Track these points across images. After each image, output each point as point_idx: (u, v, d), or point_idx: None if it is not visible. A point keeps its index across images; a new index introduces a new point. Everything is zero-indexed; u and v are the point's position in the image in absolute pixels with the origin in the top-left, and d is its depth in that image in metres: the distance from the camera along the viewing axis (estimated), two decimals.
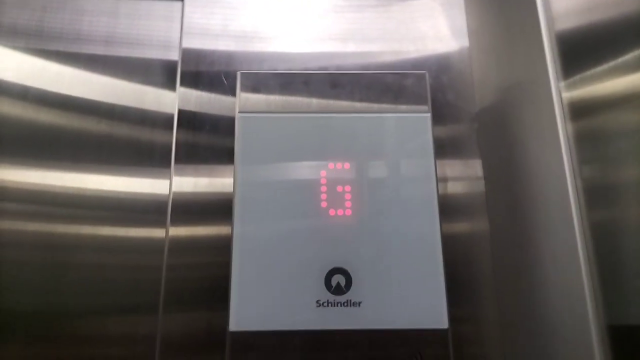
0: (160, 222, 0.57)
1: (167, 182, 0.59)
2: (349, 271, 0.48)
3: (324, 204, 0.50)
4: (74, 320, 0.54)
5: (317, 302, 0.47)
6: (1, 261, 0.55)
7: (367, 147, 0.52)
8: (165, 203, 0.58)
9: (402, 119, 0.52)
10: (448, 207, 0.58)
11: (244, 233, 0.49)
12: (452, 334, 0.48)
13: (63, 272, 0.56)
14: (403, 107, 0.53)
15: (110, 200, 0.58)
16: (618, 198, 0.40)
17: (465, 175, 0.60)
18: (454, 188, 0.60)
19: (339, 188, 0.50)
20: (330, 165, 0.51)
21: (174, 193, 0.58)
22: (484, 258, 0.58)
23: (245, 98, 0.53)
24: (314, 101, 0.53)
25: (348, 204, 0.50)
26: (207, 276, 0.55)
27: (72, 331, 0.54)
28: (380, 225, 0.50)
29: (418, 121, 0.52)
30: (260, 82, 0.53)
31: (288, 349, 0.47)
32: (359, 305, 0.47)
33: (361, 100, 0.53)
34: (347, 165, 0.51)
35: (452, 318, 0.48)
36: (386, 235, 0.49)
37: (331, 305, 0.47)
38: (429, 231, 0.49)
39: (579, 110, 0.45)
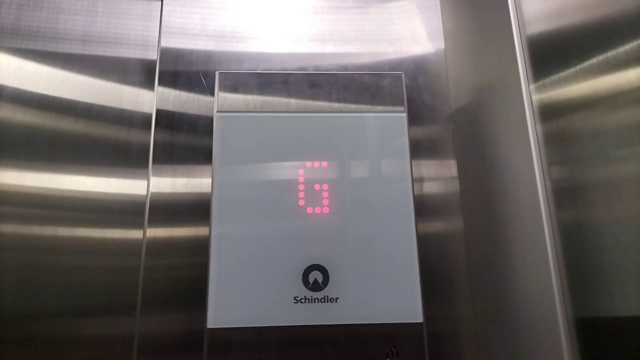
0: (137, 223, 0.57)
1: (144, 182, 0.59)
2: (327, 268, 0.49)
3: (301, 202, 0.50)
4: (50, 322, 0.54)
5: (295, 298, 0.48)
6: None
7: (344, 146, 0.52)
8: (143, 204, 0.58)
9: (379, 118, 0.53)
10: (424, 206, 0.59)
11: (222, 230, 0.50)
12: (427, 328, 0.49)
13: (39, 274, 0.55)
14: (380, 107, 0.53)
15: (87, 201, 0.58)
16: (584, 197, 0.42)
17: (440, 175, 0.62)
18: (430, 188, 0.61)
19: (317, 186, 0.51)
20: (308, 164, 0.52)
21: (152, 194, 0.58)
22: (458, 255, 0.59)
23: (223, 97, 0.53)
24: (292, 101, 0.54)
25: (325, 202, 0.51)
26: (185, 277, 0.56)
27: (48, 333, 0.54)
28: (357, 222, 0.50)
29: (394, 120, 0.53)
30: (239, 81, 0.53)
31: (266, 345, 0.47)
32: (336, 301, 0.48)
33: (339, 99, 0.54)
34: (324, 163, 0.52)
35: (427, 313, 0.49)
36: (363, 233, 0.50)
37: (309, 302, 0.48)
38: (405, 228, 0.50)
39: (548, 113, 0.46)
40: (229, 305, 0.48)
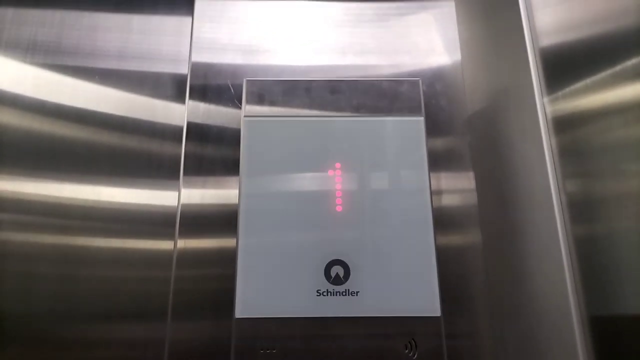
0: (168, 234, 0.59)
1: (175, 193, 0.60)
2: (348, 263, 0.51)
3: (324, 202, 0.52)
4: (84, 330, 0.56)
5: (317, 291, 0.50)
6: (14, 272, 0.57)
7: (364, 148, 0.54)
8: (174, 215, 0.60)
9: (398, 122, 0.55)
10: (442, 218, 0.60)
11: (249, 226, 0.52)
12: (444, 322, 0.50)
13: (73, 284, 0.57)
14: (398, 111, 0.55)
15: (121, 212, 0.60)
16: (597, 208, 0.43)
17: (459, 187, 0.63)
18: (449, 200, 0.62)
19: (338, 186, 0.53)
20: (330, 165, 0.54)
21: (182, 205, 0.60)
22: (475, 257, 0.60)
23: (250, 103, 0.56)
24: (315, 106, 0.56)
25: (347, 201, 0.52)
26: (214, 288, 0.57)
27: (82, 340, 0.56)
28: (377, 221, 0.52)
29: (412, 124, 0.55)
30: (265, 88, 0.56)
31: (290, 335, 0.49)
32: (357, 294, 0.50)
33: (358, 105, 0.56)
34: (346, 165, 0.54)
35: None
36: (382, 230, 0.52)
37: (330, 295, 0.50)
38: (422, 226, 0.52)
39: (562, 125, 0.47)
40: (256, 297, 0.50)
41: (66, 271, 0.57)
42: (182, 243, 0.59)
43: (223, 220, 0.59)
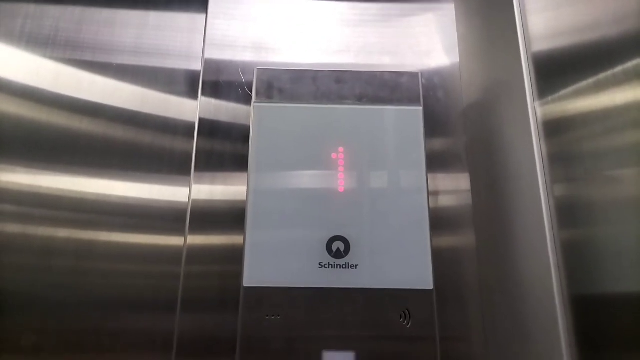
0: (179, 230, 0.60)
1: (185, 189, 0.62)
2: (348, 239, 0.54)
3: (328, 183, 0.56)
4: (95, 321, 0.57)
5: (320, 264, 0.53)
6: (28, 264, 0.58)
7: (366, 134, 0.58)
8: (184, 210, 0.61)
9: (398, 111, 0.58)
10: (438, 219, 0.61)
11: (258, 212, 0.55)
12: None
13: (85, 277, 0.58)
14: (398, 101, 0.59)
15: (132, 207, 0.61)
16: (582, 209, 0.44)
17: (454, 183, 0.65)
18: (444, 200, 0.64)
19: (341, 169, 0.56)
20: (334, 149, 0.57)
21: (193, 201, 0.61)
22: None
23: (260, 91, 0.59)
24: (320, 94, 0.59)
25: (348, 182, 0.56)
26: (222, 284, 0.58)
27: (94, 330, 0.57)
28: (376, 199, 0.56)
29: (411, 113, 0.58)
30: (274, 77, 0.59)
31: (293, 304, 0.52)
32: (356, 267, 0.53)
33: (361, 94, 0.59)
34: (348, 149, 0.57)
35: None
36: (380, 209, 0.55)
37: (331, 267, 0.53)
38: (418, 206, 0.55)
39: (553, 129, 0.49)
40: (263, 267, 0.53)
41: (78, 264, 0.58)
42: (192, 239, 0.60)
43: (232, 217, 0.60)
